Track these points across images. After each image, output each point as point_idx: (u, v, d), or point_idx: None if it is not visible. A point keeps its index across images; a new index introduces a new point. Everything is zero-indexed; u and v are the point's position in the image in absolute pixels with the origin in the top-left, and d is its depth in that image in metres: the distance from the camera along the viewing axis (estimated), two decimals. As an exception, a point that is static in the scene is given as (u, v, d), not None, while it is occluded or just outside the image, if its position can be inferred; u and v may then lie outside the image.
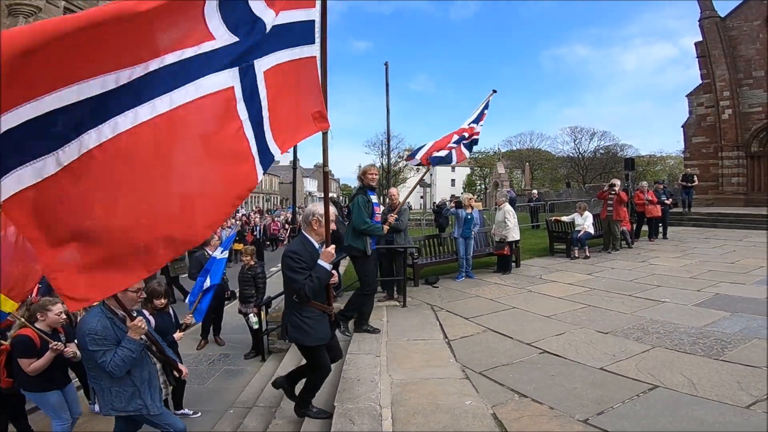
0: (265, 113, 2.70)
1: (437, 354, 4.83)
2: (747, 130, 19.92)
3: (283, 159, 66.39)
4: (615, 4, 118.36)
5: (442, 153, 7.32)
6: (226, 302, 7.68)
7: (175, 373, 3.71)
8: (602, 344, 4.78)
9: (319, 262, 3.47)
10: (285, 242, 22.71)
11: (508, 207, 9.09)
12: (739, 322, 5.18)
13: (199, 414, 5.06)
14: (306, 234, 3.65)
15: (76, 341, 3.63)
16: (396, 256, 7.14)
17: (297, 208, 20.23)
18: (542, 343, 4.91)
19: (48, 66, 1.86)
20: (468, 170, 60.77)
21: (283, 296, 5.02)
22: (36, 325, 3.90)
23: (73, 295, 2.17)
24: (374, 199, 5.74)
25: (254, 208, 42.11)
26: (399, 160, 46.40)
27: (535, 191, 23.51)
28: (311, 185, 75.83)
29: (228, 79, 2.43)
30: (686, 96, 22.39)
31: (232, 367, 6.53)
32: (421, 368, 4.45)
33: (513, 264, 9.06)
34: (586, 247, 10.21)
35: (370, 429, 3.28)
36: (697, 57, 21.73)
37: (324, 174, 3.49)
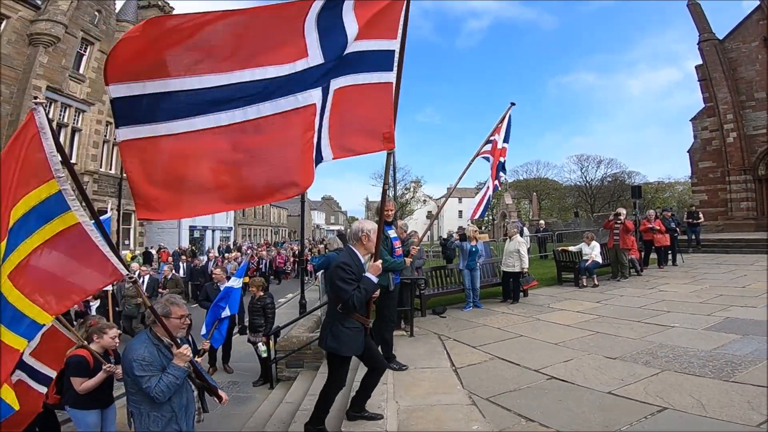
0: (326, 122, 3.22)
1: (444, 381, 4.82)
2: (753, 152, 19.73)
3: (291, 192, 67.20)
4: (619, 29, 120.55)
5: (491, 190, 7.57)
6: (235, 332, 7.77)
7: (215, 398, 3.75)
8: (610, 369, 4.75)
9: (367, 274, 3.63)
10: (292, 275, 22.69)
11: (520, 238, 9.15)
12: (750, 344, 5.13)
13: None
14: (353, 248, 3.82)
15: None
16: (403, 286, 7.19)
17: (305, 240, 20.28)
18: (550, 369, 4.89)
19: (180, 54, 2.72)
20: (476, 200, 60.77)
21: (291, 325, 5.12)
22: (91, 346, 4.11)
23: (155, 208, 2.86)
24: (392, 233, 5.68)
25: (263, 241, 42.39)
26: (405, 192, 46.79)
27: (542, 222, 23.47)
28: (319, 218, 76.34)
29: (313, 96, 3.06)
30: (690, 120, 22.32)
31: (240, 394, 6.57)
32: (428, 395, 4.44)
33: (521, 293, 9.03)
34: (595, 275, 10.16)
35: (377, 455, 3.28)
36: (699, 80, 21.69)
37: (382, 192, 3.91)
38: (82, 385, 4.00)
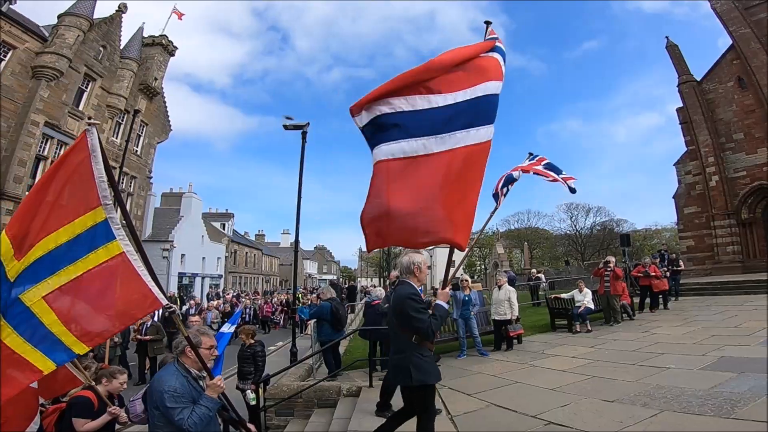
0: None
1: (439, 429, 4.66)
2: (735, 196, 19.63)
3: (283, 241, 67.07)
4: (602, 74, 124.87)
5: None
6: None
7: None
8: (609, 412, 4.65)
9: (439, 302, 3.63)
10: (281, 325, 22.01)
11: (510, 287, 9.18)
12: (747, 381, 5.09)
13: None
14: (408, 281, 3.81)
15: (130, 404, 4.00)
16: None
17: (299, 289, 19.88)
18: (547, 414, 4.77)
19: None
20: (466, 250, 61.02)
21: (282, 373, 4.95)
22: (98, 387, 4.04)
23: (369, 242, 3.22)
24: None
25: (252, 290, 41.57)
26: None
27: (534, 270, 23.50)
28: (311, 267, 75.72)
29: (489, 133, 3.24)
30: (674, 165, 22.33)
31: None
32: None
33: (515, 341, 8.93)
34: (588, 321, 10.13)
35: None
36: (680, 123, 21.73)
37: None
38: (85, 426, 3.89)
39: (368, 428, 4.80)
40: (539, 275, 21.46)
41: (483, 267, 52.59)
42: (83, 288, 2.84)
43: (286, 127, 10.74)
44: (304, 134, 10.59)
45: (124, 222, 3.10)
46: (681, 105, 21.68)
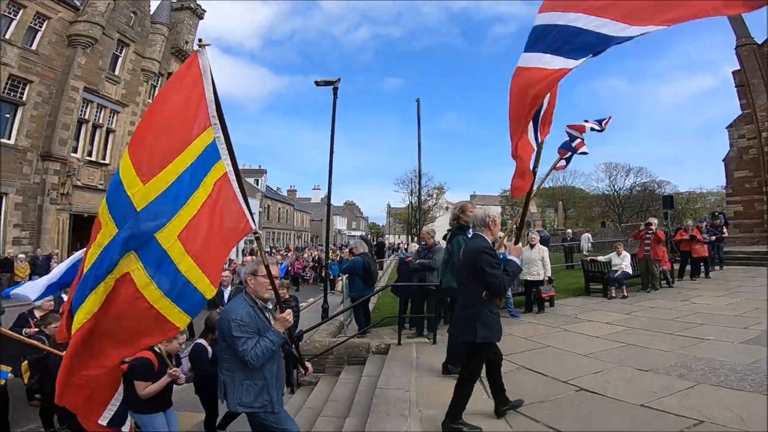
0: None
1: (469, 390, 4.75)
2: None
3: (314, 196, 67.98)
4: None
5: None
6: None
7: (301, 369, 3.76)
8: (642, 381, 4.60)
9: (511, 258, 3.64)
10: (311, 281, 22.17)
11: (543, 246, 9.01)
12: (790, 359, 4.91)
13: None
14: (482, 234, 3.76)
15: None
16: (428, 294, 7.15)
17: (331, 245, 19.98)
18: (579, 380, 4.76)
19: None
20: (498, 209, 60.32)
21: (314, 329, 5.07)
22: (156, 349, 4.01)
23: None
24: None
25: (285, 245, 42.57)
26: (428, 198, 46.62)
27: (569, 230, 23.04)
28: (341, 223, 76.82)
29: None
30: (726, 128, 21.39)
31: None
32: (453, 403, 4.38)
33: (546, 303, 8.86)
34: (624, 286, 9.90)
35: (400, 463, 3.22)
36: (736, 86, 20.83)
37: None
38: (146, 389, 3.87)
39: (395, 385, 4.96)
40: (586, 233, 21.15)
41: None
42: (205, 219, 2.77)
43: (317, 83, 10.91)
44: (335, 90, 10.77)
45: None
46: (738, 68, 20.52)
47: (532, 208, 39.01)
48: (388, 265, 23.37)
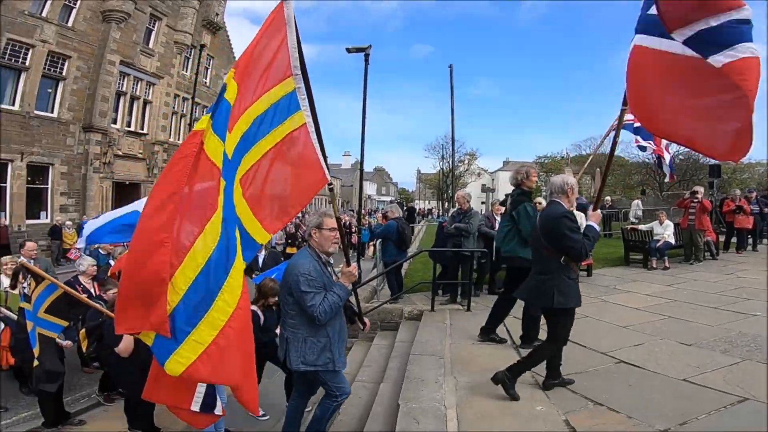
0: None
1: (505, 359, 4.73)
2: None
3: (344, 162, 68.17)
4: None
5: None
6: None
7: (360, 324, 3.85)
8: (685, 356, 4.50)
9: (591, 223, 3.65)
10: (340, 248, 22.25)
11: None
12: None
13: (267, 417, 5.08)
14: (559, 201, 3.77)
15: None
16: (463, 259, 7.11)
17: (362, 211, 19.84)
18: (618, 352, 4.70)
19: None
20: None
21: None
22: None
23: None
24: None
25: (315, 210, 42.85)
26: (460, 164, 46.03)
27: (608, 198, 22.36)
28: (370, 188, 77.04)
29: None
30: None
31: None
32: (488, 372, 4.34)
33: (584, 273, 8.69)
34: (666, 257, 9.58)
35: (435, 429, 3.27)
36: None
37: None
38: None
39: (430, 352, 5.00)
40: (636, 200, 20.55)
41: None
42: (269, 165, 2.76)
43: (348, 50, 10.88)
44: (366, 56, 10.73)
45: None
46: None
47: (567, 173, 37.90)
48: (418, 231, 23.34)
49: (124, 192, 20.14)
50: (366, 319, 3.88)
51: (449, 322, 6.18)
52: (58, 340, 4.50)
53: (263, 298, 4.87)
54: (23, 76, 16.12)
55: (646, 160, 45.70)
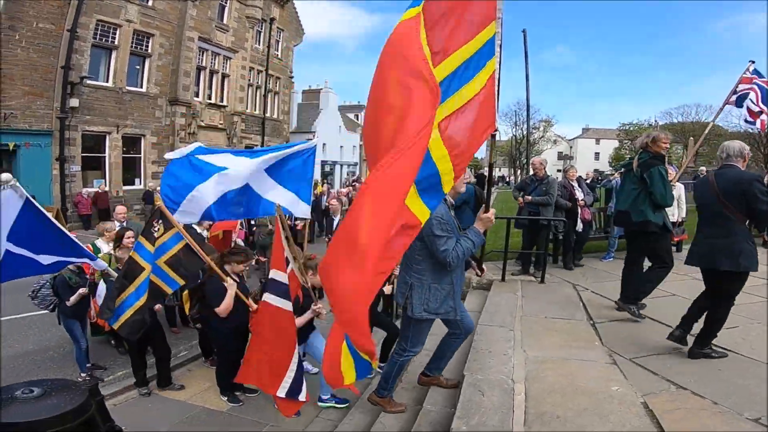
0: None
1: (579, 335, 4.55)
2: None
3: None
4: None
5: None
6: None
7: (477, 271, 3.87)
8: (786, 342, 4.04)
9: None
10: None
11: (679, 183, 8.07)
12: None
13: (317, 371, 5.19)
14: (737, 165, 3.77)
15: None
16: (540, 229, 6.83)
17: None
18: (708, 334, 4.31)
19: None
20: (615, 143, 54.95)
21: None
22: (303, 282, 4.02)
23: None
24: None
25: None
26: (534, 131, 44.09)
27: (702, 168, 20.40)
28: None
29: None
30: None
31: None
32: (560, 348, 4.23)
33: (674, 248, 8.01)
34: (765, 233, 8.54)
35: (501, 402, 3.19)
36: None
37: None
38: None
39: (499, 323, 4.86)
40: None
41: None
42: (470, 113, 2.53)
43: None
44: None
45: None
46: None
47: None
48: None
49: None
50: (483, 266, 3.85)
51: (521, 294, 5.99)
52: None
53: None
54: (114, 54, 17.37)
55: (750, 130, 41.09)
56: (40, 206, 3.84)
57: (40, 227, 3.84)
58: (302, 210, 4.54)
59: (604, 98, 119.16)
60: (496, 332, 4.61)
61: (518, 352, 4.13)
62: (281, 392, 3.61)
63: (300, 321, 4.02)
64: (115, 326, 4.01)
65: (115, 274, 4.42)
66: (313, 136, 31.18)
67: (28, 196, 3.70)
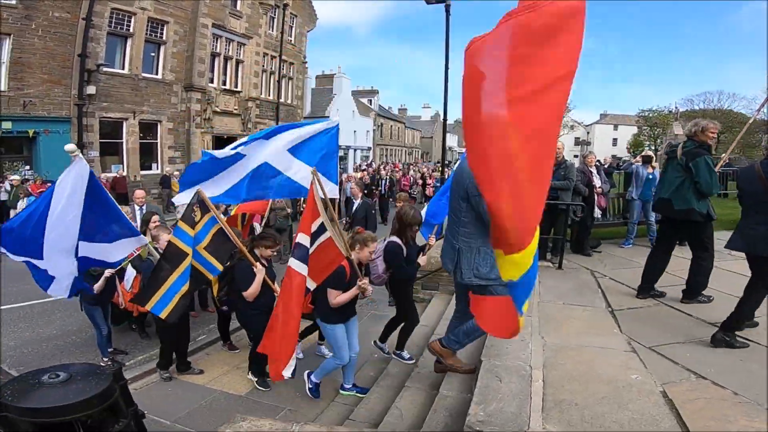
0: None
1: (598, 322, 4.49)
2: None
3: (424, 114, 67.39)
4: None
5: None
6: None
7: None
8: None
9: None
10: (417, 200, 20.40)
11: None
12: None
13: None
14: None
15: (372, 265, 4.27)
16: (558, 213, 6.72)
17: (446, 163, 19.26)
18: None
19: None
20: (634, 129, 53.83)
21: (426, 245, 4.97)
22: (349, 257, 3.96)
23: None
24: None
25: (397, 161, 43.15)
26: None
27: (724, 155, 19.81)
28: (451, 140, 75.91)
29: None
30: None
31: (377, 312, 6.69)
32: (579, 335, 4.18)
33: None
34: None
35: (519, 388, 3.17)
36: None
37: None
38: (337, 298, 3.93)
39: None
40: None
41: (654, 148, 46.33)
42: None
43: (428, 0, 10.51)
44: (447, 7, 10.43)
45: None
46: None
47: (677, 129, 34.00)
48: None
49: (223, 144, 21.44)
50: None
51: (538, 280, 5.91)
52: None
53: (407, 228, 4.53)
54: (129, 42, 17.49)
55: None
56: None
57: (102, 203, 4.03)
58: (330, 189, 4.42)
59: (623, 84, 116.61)
60: (513, 318, 4.57)
61: (536, 338, 4.09)
62: (287, 371, 3.57)
63: (345, 297, 3.97)
64: (163, 314, 4.01)
65: (157, 255, 4.46)
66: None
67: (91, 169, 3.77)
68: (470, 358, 3.94)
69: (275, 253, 5.06)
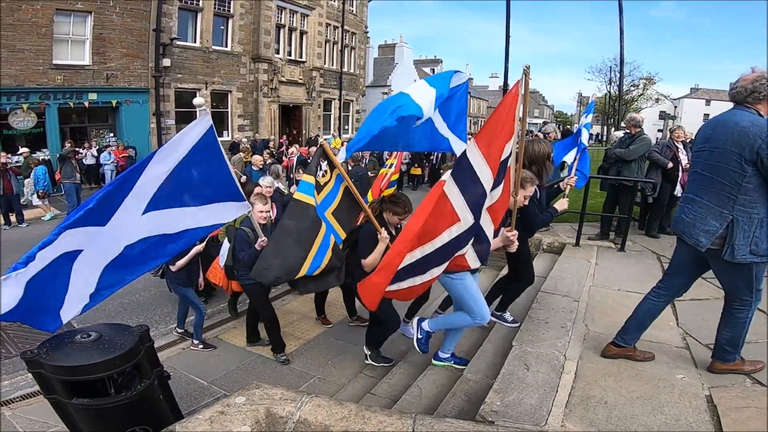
0: None
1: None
2: None
3: (491, 84, 64.66)
4: None
5: None
6: None
7: None
8: None
9: None
10: None
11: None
12: None
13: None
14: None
15: None
16: (624, 191, 6.18)
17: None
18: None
19: None
20: (729, 105, 48.10)
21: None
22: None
23: None
24: None
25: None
26: (633, 88, 40.01)
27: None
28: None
29: None
30: None
31: None
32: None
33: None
34: None
35: (546, 379, 2.93)
36: None
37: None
38: (369, 259, 3.70)
39: (564, 291, 4.52)
40: None
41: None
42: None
43: None
44: None
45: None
46: None
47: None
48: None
49: (289, 113, 23.25)
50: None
51: (595, 261, 5.51)
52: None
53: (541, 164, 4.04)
54: (199, 16, 18.26)
55: None
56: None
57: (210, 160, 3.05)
58: (459, 147, 3.86)
59: (717, 57, 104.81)
60: (559, 301, 4.28)
61: (579, 325, 3.80)
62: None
63: (375, 257, 3.64)
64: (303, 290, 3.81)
65: (260, 233, 3.97)
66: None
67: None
68: (505, 339, 3.75)
69: (404, 222, 4.02)
